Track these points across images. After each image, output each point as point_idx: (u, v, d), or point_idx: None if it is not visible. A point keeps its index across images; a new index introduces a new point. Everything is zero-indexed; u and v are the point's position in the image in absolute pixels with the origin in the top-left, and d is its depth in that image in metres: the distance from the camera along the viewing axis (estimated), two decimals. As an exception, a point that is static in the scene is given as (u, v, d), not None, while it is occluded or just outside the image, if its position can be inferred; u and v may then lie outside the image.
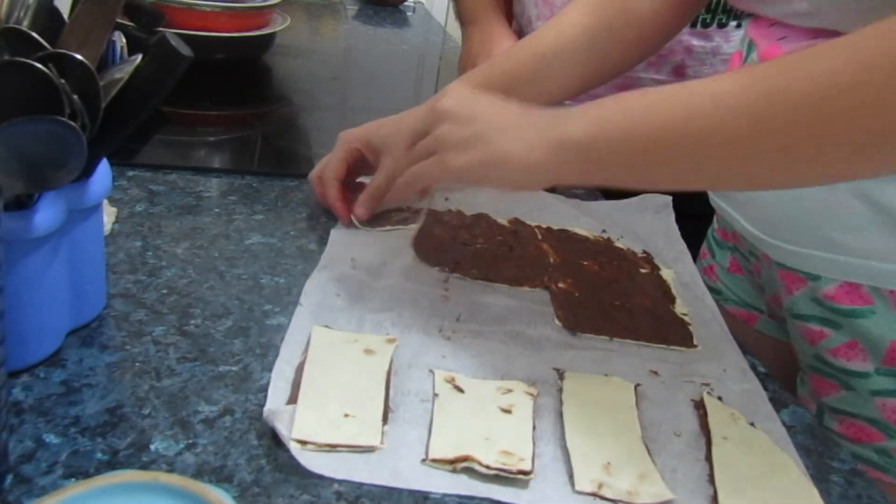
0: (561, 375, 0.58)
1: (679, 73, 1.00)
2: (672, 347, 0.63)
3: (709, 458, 0.52)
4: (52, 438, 0.46)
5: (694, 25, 0.98)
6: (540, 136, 0.55)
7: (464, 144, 0.58)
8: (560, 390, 0.56)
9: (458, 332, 0.61)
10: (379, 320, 0.61)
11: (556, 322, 0.64)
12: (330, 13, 1.80)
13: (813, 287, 0.67)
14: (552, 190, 0.88)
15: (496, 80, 0.75)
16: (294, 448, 0.47)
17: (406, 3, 1.94)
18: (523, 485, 0.47)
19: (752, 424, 0.55)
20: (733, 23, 0.98)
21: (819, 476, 0.53)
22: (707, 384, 0.59)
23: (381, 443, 0.48)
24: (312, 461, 0.46)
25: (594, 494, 0.47)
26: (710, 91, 0.50)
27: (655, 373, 0.60)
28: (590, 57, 0.76)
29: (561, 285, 0.69)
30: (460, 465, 0.48)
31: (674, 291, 0.71)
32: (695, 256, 0.86)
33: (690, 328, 0.66)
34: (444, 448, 0.49)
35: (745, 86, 0.48)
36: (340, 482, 0.46)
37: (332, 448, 0.48)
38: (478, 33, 1.14)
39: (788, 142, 0.46)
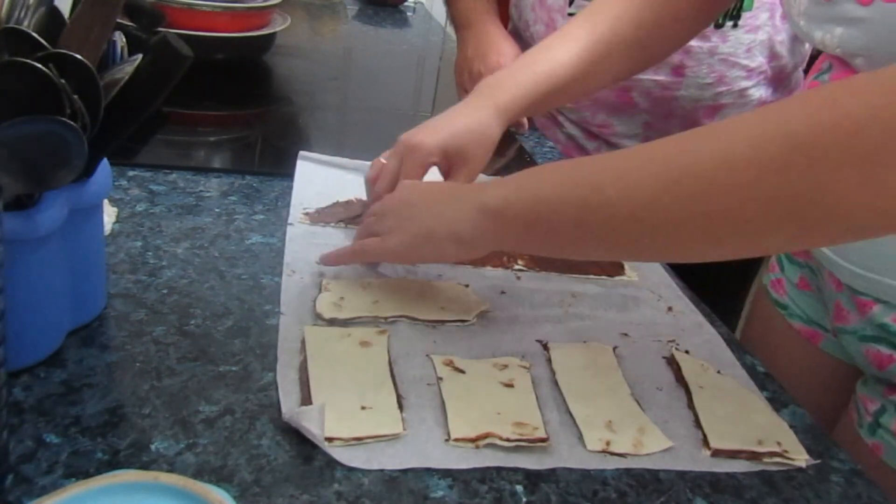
0: (545, 346, 0.61)
1: (678, 74, 1.00)
2: (602, 277, 0.72)
3: (691, 406, 0.57)
4: (52, 438, 0.46)
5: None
6: (462, 208, 0.59)
7: (397, 228, 0.63)
8: (549, 360, 0.60)
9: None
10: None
11: (520, 266, 0.73)
12: (330, 13, 1.80)
13: (881, 311, 0.65)
14: None
15: (540, 82, 0.76)
16: (326, 445, 0.48)
17: (406, 3, 1.94)
18: (543, 451, 0.51)
19: (718, 372, 0.61)
20: (730, 23, 0.98)
21: (819, 476, 0.53)
22: (672, 341, 0.65)
23: (404, 429, 0.50)
24: (344, 455, 0.47)
25: (605, 451, 0.51)
26: (613, 166, 0.52)
27: (626, 335, 0.65)
28: (641, 50, 0.79)
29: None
30: (482, 442, 0.50)
31: (626, 267, 0.76)
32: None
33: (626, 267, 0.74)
34: (464, 428, 0.51)
35: (644, 163, 0.49)
36: (341, 482, 0.46)
37: (359, 441, 0.49)
38: (473, 38, 1.13)
39: (682, 218, 0.47)
